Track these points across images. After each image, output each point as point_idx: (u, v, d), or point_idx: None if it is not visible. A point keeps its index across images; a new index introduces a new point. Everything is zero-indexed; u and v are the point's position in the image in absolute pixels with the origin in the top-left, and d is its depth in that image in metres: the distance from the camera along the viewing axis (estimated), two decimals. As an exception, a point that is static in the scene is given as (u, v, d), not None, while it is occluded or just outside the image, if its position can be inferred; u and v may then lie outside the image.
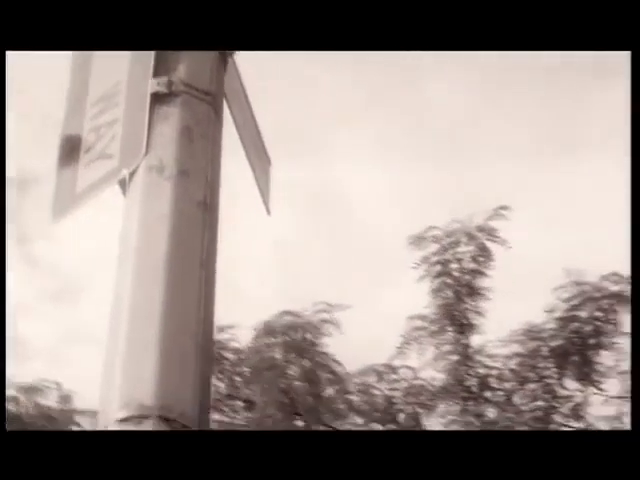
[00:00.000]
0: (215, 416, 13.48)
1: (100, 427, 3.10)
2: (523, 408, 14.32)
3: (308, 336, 14.00)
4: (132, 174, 3.61)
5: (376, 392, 14.31)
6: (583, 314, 14.31)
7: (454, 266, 14.43)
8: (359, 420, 14.68)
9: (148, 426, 3.01)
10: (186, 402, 3.13)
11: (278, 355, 14.01)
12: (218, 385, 13.80)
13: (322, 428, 13.73)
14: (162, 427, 3.02)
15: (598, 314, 14.28)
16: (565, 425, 14.04)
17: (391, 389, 14.40)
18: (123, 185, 3.68)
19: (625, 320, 14.09)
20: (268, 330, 14.03)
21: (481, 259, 14.34)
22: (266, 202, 4.43)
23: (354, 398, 14.37)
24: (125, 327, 3.26)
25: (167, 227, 3.48)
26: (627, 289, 14.20)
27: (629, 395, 14.53)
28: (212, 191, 3.69)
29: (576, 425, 14.06)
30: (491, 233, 14.26)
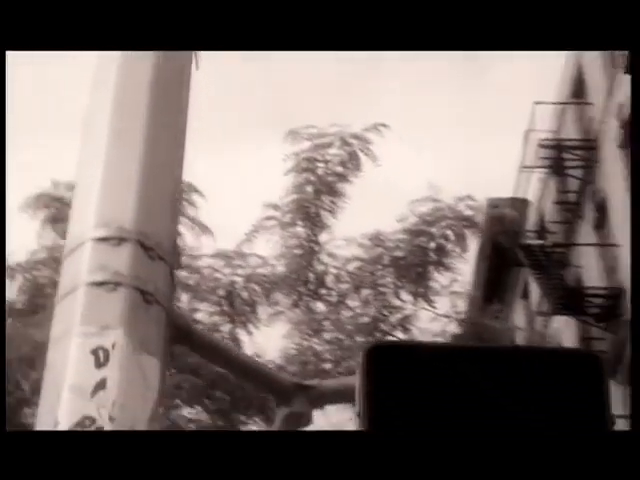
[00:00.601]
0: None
1: (73, 244, 3.06)
2: (355, 311, 14.73)
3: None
4: None
5: (219, 276, 14.39)
6: (432, 230, 14.78)
7: (321, 165, 14.63)
8: (184, 296, 14.75)
9: (126, 249, 2.99)
10: (163, 235, 3.12)
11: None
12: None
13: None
14: (139, 252, 3.01)
15: (447, 233, 14.78)
16: (390, 335, 14.52)
17: (234, 274, 14.53)
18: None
19: (470, 245, 14.67)
20: None
21: (349, 165, 14.61)
22: (196, 58, 4.41)
23: (190, 275, 14.42)
24: (105, 152, 3.20)
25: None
26: (479, 214, 14.80)
27: (457, 316, 15.20)
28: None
29: (401, 336, 14.55)
30: (365, 144, 14.58)
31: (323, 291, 14.79)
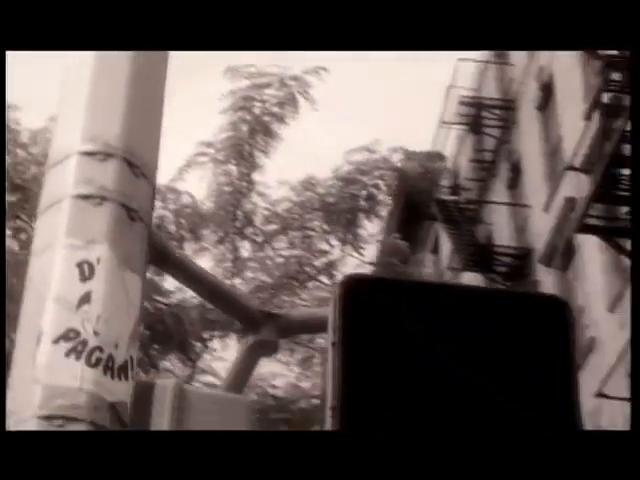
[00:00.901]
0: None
1: (58, 156, 3.02)
2: (280, 253, 14.75)
3: None
4: None
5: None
6: (365, 179, 14.84)
7: (257, 105, 14.54)
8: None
9: (112, 165, 2.96)
10: (147, 153, 3.11)
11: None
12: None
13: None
14: (125, 169, 2.99)
15: (378, 182, 14.86)
16: (315, 279, 14.59)
17: (164, 208, 14.43)
18: None
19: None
20: None
21: (287, 107, 14.54)
22: None
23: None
24: (92, 70, 3.15)
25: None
26: (410, 165, 14.95)
27: (381, 262, 15.35)
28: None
29: (325, 280, 14.63)
30: (304, 86, 14.52)
31: (250, 230, 14.78)
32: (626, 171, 13.70)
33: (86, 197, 2.87)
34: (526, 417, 2.86)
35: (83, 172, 2.92)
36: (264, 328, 3.42)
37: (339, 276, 14.76)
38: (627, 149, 13.57)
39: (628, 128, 13.06)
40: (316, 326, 3.50)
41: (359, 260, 14.92)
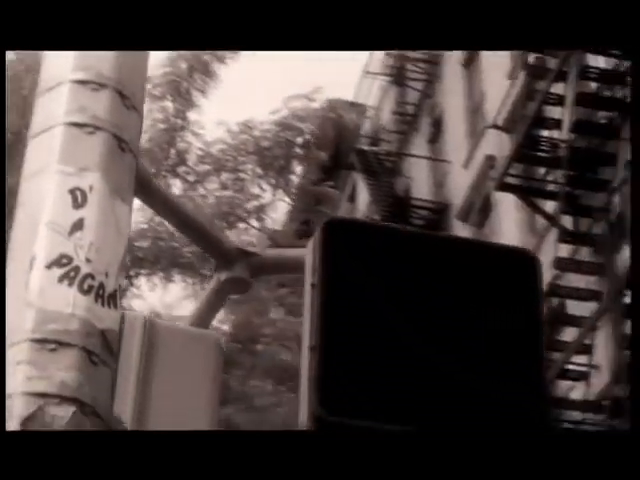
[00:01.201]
0: None
1: (50, 84, 3.01)
2: (212, 194, 14.68)
3: None
4: None
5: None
6: (302, 126, 14.81)
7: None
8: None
9: (105, 95, 2.97)
10: (137, 86, 3.12)
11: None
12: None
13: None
14: (117, 100, 2.99)
15: (314, 130, 14.84)
16: (244, 221, 14.58)
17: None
18: None
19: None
20: None
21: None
22: None
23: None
24: None
25: None
26: (350, 117, 15.03)
27: (309, 209, 15.40)
28: None
29: (255, 224, 14.63)
30: None
31: (183, 169, 14.69)
32: (546, 132, 13.93)
33: (79, 125, 2.88)
34: (494, 371, 2.94)
35: (76, 100, 2.92)
36: (238, 265, 3.45)
37: (268, 220, 14.83)
38: (549, 111, 13.79)
39: (552, 90, 13.28)
40: (290, 267, 3.55)
41: (290, 205, 14.95)
